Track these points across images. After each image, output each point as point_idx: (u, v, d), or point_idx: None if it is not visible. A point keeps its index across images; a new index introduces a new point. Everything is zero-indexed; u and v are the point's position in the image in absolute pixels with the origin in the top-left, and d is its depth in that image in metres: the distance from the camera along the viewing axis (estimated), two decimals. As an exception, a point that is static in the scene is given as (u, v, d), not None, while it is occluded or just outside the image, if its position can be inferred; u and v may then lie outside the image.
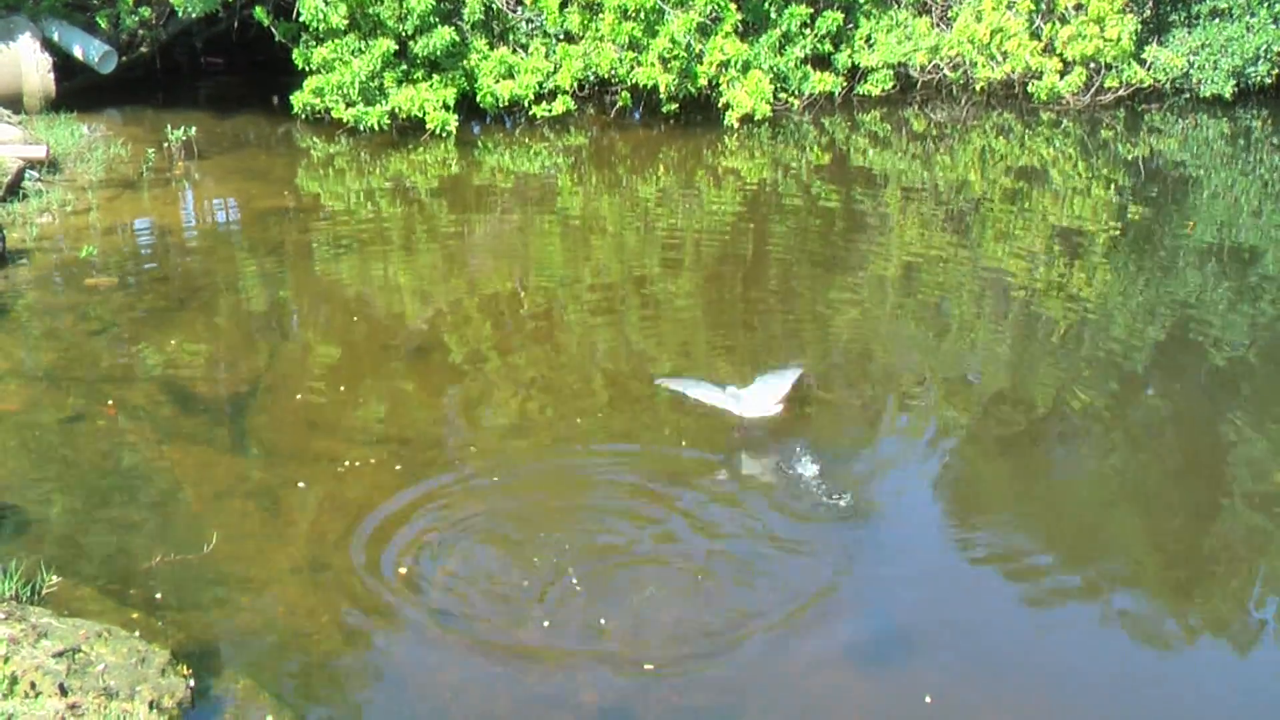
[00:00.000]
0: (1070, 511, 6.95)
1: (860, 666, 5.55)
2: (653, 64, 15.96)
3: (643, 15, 15.80)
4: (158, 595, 5.75)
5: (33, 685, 4.60)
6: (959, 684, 5.40)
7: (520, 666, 5.45)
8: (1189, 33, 18.69)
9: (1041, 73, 17.83)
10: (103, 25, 15.94)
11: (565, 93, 16.17)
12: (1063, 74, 17.87)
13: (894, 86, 18.42)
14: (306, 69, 15.43)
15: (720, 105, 16.50)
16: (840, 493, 6.78)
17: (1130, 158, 16.38)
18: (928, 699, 5.27)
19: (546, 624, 5.68)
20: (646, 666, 5.43)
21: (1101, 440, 7.85)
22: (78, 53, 15.47)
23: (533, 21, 16.62)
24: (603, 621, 5.72)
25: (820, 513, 6.69)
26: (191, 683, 4.94)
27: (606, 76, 16.46)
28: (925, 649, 5.66)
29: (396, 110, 15.21)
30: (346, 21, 15.04)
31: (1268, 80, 18.61)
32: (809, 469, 6.97)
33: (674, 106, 16.48)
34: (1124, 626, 5.94)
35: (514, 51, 16.32)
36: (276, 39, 15.98)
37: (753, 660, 5.52)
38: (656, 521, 6.59)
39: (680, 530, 6.51)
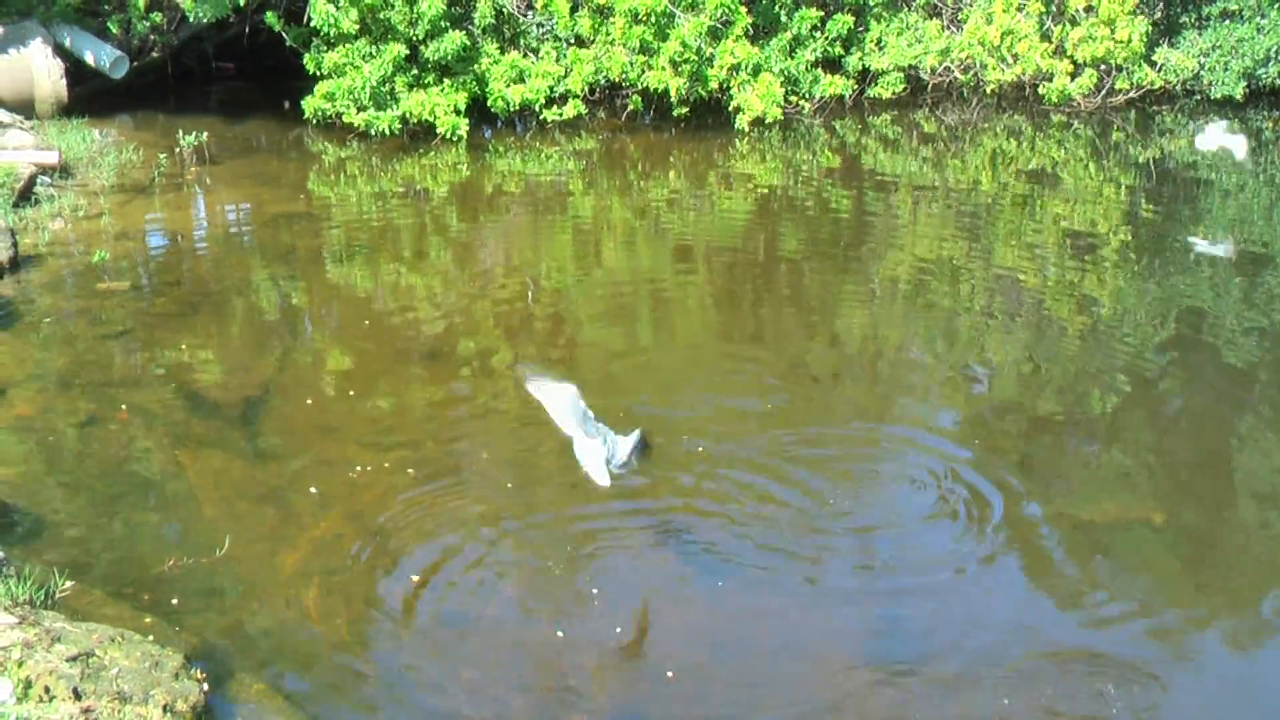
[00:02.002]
0: (1081, 514, 6.93)
1: (876, 670, 5.53)
2: (663, 68, 15.98)
3: (653, 19, 15.82)
4: (172, 599, 5.75)
5: (47, 690, 4.61)
6: (969, 688, 5.39)
7: (535, 669, 5.45)
8: (1199, 34, 18.67)
9: (1052, 75, 17.82)
10: (114, 31, 15.99)
11: (576, 97, 16.19)
12: (1073, 76, 17.86)
13: (905, 89, 18.42)
14: (318, 74, 15.46)
15: (731, 109, 16.51)
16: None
17: (1141, 159, 16.35)
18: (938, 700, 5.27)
19: (560, 634, 5.67)
20: (668, 675, 5.41)
21: (1113, 442, 7.83)
22: (89, 58, 15.51)
23: (543, 26, 16.63)
24: (618, 630, 5.71)
25: (831, 524, 6.69)
26: (205, 687, 4.93)
27: (617, 80, 16.46)
28: (938, 654, 5.64)
29: (407, 115, 15.23)
30: (357, 26, 15.06)
31: (1278, 82, 18.58)
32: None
33: (685, 110, 16.49)
34: (1131, 631, 5.91)
35: (525, 56, 16.33)
36: (288, 44, 16.03)
37: (763, 661, 5.51)
38: (673, 528, 6.58)
39: (696, 535, 6.51)
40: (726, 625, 5.79)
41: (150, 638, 5.21)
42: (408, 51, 15.22)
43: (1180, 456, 7.78)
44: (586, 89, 16.34)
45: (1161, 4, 18.79)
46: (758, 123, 16.33)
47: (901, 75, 18.28)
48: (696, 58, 16.00)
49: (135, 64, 16.24)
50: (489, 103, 15.93)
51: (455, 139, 15.24)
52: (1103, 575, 6.38)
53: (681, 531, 6.55)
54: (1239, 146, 15.31)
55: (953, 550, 6.41)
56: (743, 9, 16.48)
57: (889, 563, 6.30)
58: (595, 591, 5.99)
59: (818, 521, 6.65)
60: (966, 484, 7.09)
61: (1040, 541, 6.60)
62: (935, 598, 6.01)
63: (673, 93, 16.06)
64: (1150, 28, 18.00)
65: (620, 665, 5.51)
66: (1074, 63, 17.86)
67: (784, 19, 17.28)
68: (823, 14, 17.47)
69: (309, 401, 8.05)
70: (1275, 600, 6.22)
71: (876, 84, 18.33)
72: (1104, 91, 18.28)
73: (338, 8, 14.92)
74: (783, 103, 16.54)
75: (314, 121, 15.60)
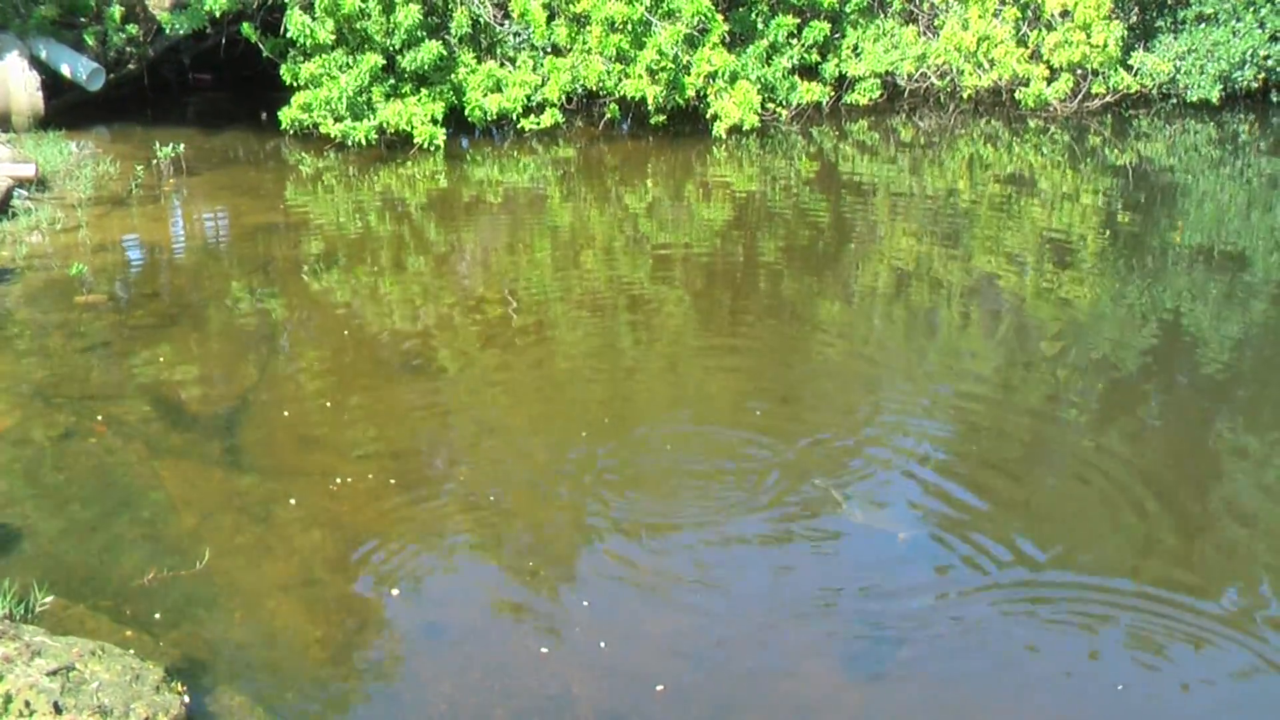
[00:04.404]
0: (1063, 519, 6.95)
1: (859, 679, 5.54)
2: (640, 76, 16.00)
3: (630, 27, 15.84)
4: (152, 613, 5.73)
5: (27, 704, 4.59)
6: (957, 695, 5.40)
7: (516, 681, 5.44)
8: (1175, 38, 18.79)
9: (1028, 80, 17.92)
10: (90, 43, 15.95)
11: (553, 105, 16.21)
12: (1050, 81, 17.96)
13: (881, 95, 18.50)
14: (294, 84, 15.45)
15: (708, 116, 16.55)
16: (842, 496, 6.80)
17: (1118, 164, 16.44)
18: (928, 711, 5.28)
19: (544, 650, 5.64)
20: (658, 688, 5.40)
21: (1092, 446, 7.86)
22: (66, 70, 15.47)
23: (520, 35, 16.66)
24: (603, 645, 5.69)
25: (815, 527, 6.70)
26: (186, 699, 4.92)
27: (594, 89, 16.49)
28: (923, 660, 5.65)
29: (384, 125, 15.24)
30: (334, 37, 15.07)
31: (1254, 85, 18.72)
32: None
33: (662, 118, 16.52)
34: (1117, 634, 5.93)
35: (502, 65, 16.35)
36: (264, 55, 16.00)
37: (748, 674, 5.51)
38: (655, 538, 6.58)
39: (680, 544, 6.50)
40: (713, 641, 5.77)
41: (131, 651, 5.20)
42: (384, 62, 15.23)
43: (1159, 459, 7.82)
44: (564, 98, 16.37)
45: (1137, 8, 18.91)
46: (735, 130, 16.37)
47: (878, 81, 18.36)
48: (673, 66, 16.04)
49: (112, 76, 16.19)
50: (466, 112, 15.95)
51: (433, 149, 15.25)
52: (1085, 577, 6.41)
53: (668, 545, 6.54)
54: None
55: (934, 567, 6.40)
56: (719, 17, 16.53)
57: (876, 582, 6.29)
58: (585, 604, 5.98)
59: (804, 537, 6.65)
60: (949, 498, 7.11)
61: (1024, 551, 6.63)
62: (919, 616, 6.01)
63: (650, 101, 16.09)
64: (1126, 32, 18.12)
65: (606, 679, 5.49)
66: (1050, 68, 17.96)
67: (761, 26, 17.34)
68: (799, 21, 17.53)
69: (288, 413, 8.03)
70: (1251, 601, 6.26)
71: (853, 90, 18.40)
72: (1080, 96, 18.38)
73: (314, 18, 14.93)
74: (760, 110, 16.59)
75: (291, 132, 15.59)
